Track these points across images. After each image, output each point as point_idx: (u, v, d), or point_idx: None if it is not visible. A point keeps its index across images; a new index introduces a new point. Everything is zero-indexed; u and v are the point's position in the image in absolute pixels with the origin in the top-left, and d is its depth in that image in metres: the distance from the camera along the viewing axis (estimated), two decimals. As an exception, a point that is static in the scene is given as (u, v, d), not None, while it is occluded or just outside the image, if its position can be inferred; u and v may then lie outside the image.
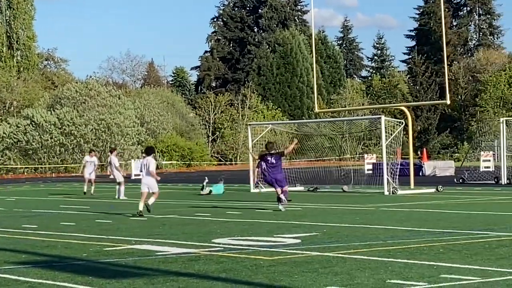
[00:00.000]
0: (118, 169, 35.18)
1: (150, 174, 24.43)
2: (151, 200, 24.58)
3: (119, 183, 34.46)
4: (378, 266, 13.07)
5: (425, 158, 56.72)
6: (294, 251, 15.16)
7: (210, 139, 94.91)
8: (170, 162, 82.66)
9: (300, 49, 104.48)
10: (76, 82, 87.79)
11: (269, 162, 25.70)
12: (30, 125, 74.63)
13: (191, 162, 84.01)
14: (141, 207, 24.14)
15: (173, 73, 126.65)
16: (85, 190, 36.85)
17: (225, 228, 20.05)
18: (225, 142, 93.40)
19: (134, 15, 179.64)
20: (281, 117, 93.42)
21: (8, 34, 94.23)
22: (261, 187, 37.09)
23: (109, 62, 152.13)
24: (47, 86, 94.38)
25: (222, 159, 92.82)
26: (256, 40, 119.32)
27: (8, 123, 76.65)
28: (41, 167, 73.85)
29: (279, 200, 25.60)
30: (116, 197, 34.21)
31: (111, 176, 35.38)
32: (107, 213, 25.94)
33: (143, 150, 27.81)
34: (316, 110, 47.48)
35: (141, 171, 25.97)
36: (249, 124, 43.16)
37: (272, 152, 26.15)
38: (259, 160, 27.37)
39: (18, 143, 74.01)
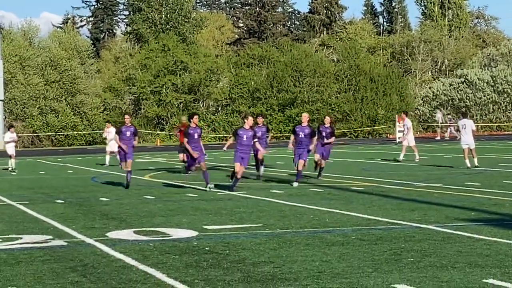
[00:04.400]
0: None
1: None
2: None
3: None
4: None
5: None
6: None
7: None
8: None
9: None
10: (508, 40, 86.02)
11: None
12: (464, 83, 74.79)
13: None
14: None
15: None
16: None
17: None
18: None
19: None
20: None
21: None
22: None
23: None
24: (478, 44, 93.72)
25: None
26: None
27: (441, 82, 77.51)
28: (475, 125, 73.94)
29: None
30: None
31: None
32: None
33: None
34: None
35: None
36: None
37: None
38: None
39: (452, 100, 74.57)
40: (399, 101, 73.90)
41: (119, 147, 23.84)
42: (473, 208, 16.29)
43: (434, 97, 76.84)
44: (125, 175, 23.52)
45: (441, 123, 64.48)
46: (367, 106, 72.61)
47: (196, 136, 22.10)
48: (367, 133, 71.06)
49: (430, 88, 79.22)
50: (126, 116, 24.59)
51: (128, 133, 23.73)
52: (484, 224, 13.94)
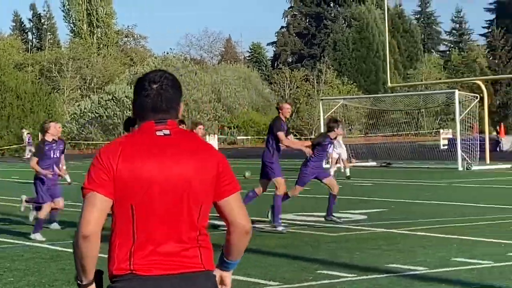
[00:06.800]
0: None
1: None
2: None
3: None
4: (443, 243, 12.86)
5: (502, 133, 55.49)
6: (360, 228, 15.01)
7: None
8: (246, 137, 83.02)
9: (376, 24, 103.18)
10: (155, 58, 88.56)
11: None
12: (112, 100, 75.71)
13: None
14: None
15: (250, 49, 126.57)
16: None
17: (292, 204, 18.69)
18: (301, 118, 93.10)
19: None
20: (356, 92, 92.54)
21: (88, 11, 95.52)
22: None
23: (187, 38, 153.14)
24: (126, 62, 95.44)
25: (297, 134, 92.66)
26: (332, 15, 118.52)
27: (90, 99, 77.95)
28: (119, 142, 74.98)
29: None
30: None
31: None
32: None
33: None
34: (389, 84, 47.13)
35: None
36: (322, 99, 43.14)
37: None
38: None
39: (100, 118, 75.16)
40: (47, 118, 73.17)
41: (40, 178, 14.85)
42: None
43: (82, 114, 77.14)
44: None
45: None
46: (14, 124, 71.19)
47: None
48: (14, 151, 69.58)
49: (78, 105, 79.48)
50: (59, 126, 15.24)
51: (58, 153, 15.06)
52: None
